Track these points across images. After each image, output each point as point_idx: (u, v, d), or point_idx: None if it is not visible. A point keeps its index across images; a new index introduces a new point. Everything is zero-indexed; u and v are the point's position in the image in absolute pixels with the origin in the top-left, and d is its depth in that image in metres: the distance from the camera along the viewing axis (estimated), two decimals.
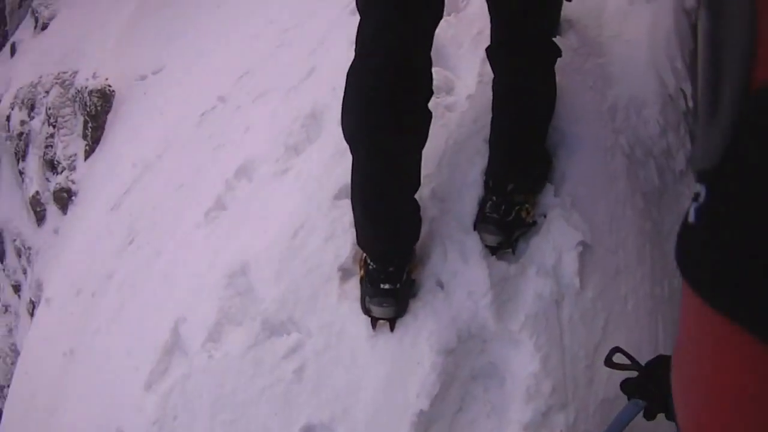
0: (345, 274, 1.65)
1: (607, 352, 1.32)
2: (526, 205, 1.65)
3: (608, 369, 1.33)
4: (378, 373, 1.50)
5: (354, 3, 1.53)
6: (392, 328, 1.54)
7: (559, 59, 1.74)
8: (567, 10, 2.16)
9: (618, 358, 1.32)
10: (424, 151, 1.61)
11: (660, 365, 1.25)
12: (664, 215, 2.14)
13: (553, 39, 1.80)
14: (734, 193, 0.31)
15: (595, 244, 1.74)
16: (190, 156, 2.67)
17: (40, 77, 4.48)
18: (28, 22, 5.03)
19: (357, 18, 1.52)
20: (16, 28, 5.15)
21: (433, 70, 1.96)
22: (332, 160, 1.79)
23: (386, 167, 1.50)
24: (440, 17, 1.52)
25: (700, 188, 0.33)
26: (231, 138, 2.39)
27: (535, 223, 1.68)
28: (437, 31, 2.14)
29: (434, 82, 1.90)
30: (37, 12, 4.91)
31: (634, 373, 1.28)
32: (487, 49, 1.70)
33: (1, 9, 5.34)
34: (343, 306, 1.58)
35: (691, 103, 2.34)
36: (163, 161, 2.94)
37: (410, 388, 1.45)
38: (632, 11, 2.41)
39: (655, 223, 2.07)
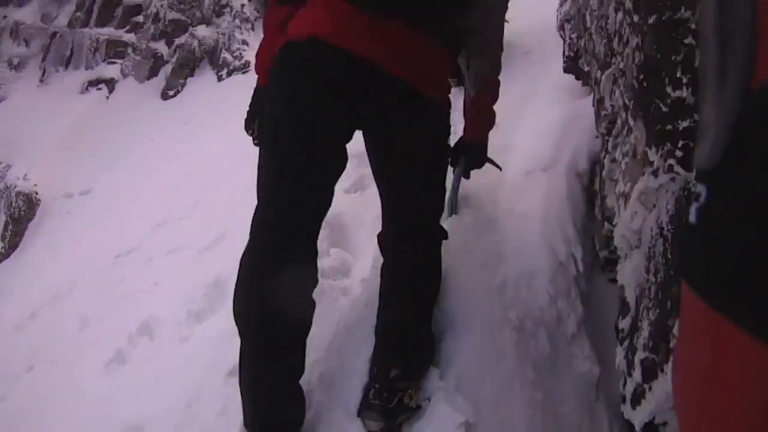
0: None
1: None
2: (410, 391, 1.71)
3: None
4: None
5: None
6: None
7: (452, 241, 1.86)
8: (465, 186, 2.33)
9: None
10: (316, 334, 1.67)
11: None
12: (557, 380, 2.21)
13: (442, 223, 1.93)
14: (734, 193, 0.31)
15: (480, 423, 1.79)
16: (99, 298, 2.67)
17: None
18: None
19: None
20: None
21: (334, 251, 2.09)
22: (229, 335, 1.84)
23: (269, 353, 1.53)
24: (341, 171, 1.60)
25: (700, 188, 0.33)
26: (140, 289, 2.43)
27: (419, 407, 1.73)
28: (342, 209, 2.28)
29: (333, 264, 2.02)
30: None
31: None
32: (378, 235, 1.82)
33: None
34: None
35: (581, 267, 2.51)
36: (72, 295, 2.92)
37: None
38: (528, 182, 2.58)
39: (547, 391, 2.14)
